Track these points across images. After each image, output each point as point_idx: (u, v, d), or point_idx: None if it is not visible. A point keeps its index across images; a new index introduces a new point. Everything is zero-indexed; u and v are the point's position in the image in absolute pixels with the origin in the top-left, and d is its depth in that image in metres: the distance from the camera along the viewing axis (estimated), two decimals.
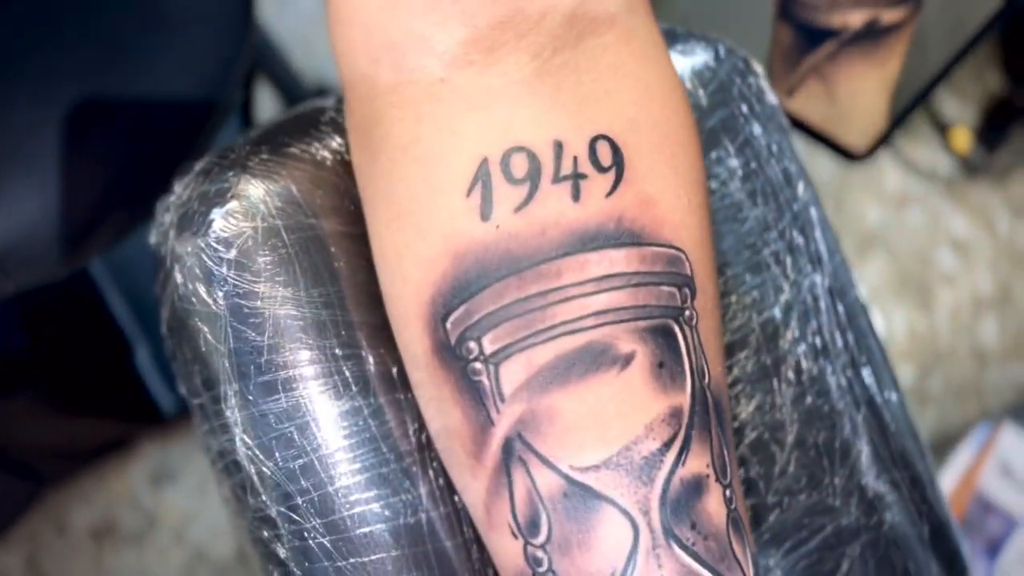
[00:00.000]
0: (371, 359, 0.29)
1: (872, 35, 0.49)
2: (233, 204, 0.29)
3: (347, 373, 0.29)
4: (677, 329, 0.27)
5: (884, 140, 0.54)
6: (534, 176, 0.26)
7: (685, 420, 0.27)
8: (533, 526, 0.27)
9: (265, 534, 0.29)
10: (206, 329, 0.29)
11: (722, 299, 0.35)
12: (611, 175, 0.27)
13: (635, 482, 0.26)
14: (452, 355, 0.27)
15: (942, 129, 1.25)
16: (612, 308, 0.26)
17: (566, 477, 0.26)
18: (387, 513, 0.29)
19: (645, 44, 0.29)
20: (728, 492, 0.28)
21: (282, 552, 0.29)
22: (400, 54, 0.27)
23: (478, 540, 0.30)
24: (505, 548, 0.28)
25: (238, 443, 0.29)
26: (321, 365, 0.29)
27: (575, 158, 0.27)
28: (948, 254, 1.31)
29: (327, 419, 0.29)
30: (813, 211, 0.37)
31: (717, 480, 0.28)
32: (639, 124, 0.28)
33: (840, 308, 0.36)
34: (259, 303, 0.28)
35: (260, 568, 0.31)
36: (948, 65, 0.50)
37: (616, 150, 0.27)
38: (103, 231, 0.53)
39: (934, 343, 1.29)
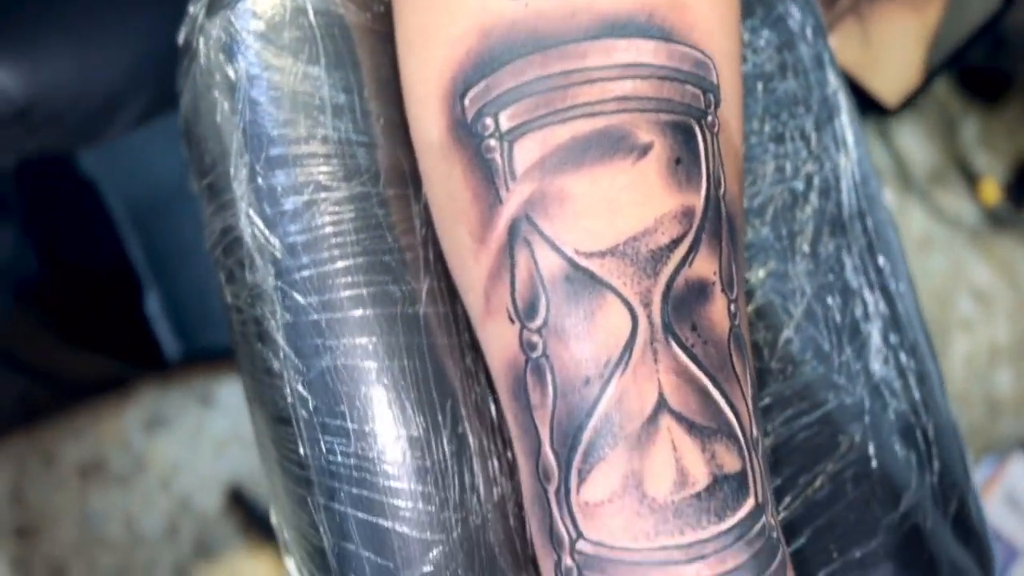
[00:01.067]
0: (384, 151, 0.29)
1: None
2: None
3: (359, 159, 0.29)
4: (698, 130, 0.27)
5: (915, 97, 0.54)
6: None
7: (696, 222, 0.26)
8: (531, 309, 0.26)
9: (259, 311, 0.29)
10: (224, 102, 0.29)
11: (744, 164, 0.35)
12: None
13: (639, 273, 0.26)
14: (468, 132, 0.27)
15: (971, 179, 1.26)
16: (635, 96, 0.26)
17: (570, 261, 0.26)
18: (385, 299, 0.28)
19: None
20: (733, 307, 0.27)
21: (274, 328, 0.28)
22: None
23: (473, 346, 0.29)
24: (500, 335, 0.27)
25: (242, 217, 0.29)
26: (334, 146, 0.29)
27: None
28: (968, 301, 1.30)
29: (334, 199, 0.28)
30: (842, 97, 0.37)
31: (723, 290, 0.27)
32: None
33: (861, 194, 0.36)
34: (279, 77, 0.28)
35: (247, 354, 0.30)
36: (987, 25, 0.50)
37: None
38: (131, 106, 0.53)
39: (947, 387, 1.27)
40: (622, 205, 0.26)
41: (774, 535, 0.27)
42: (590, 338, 0.26)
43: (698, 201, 0.27)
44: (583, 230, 0.26)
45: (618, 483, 0.25)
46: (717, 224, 0.27)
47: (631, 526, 0.25)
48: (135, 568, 0.99)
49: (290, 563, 0.32)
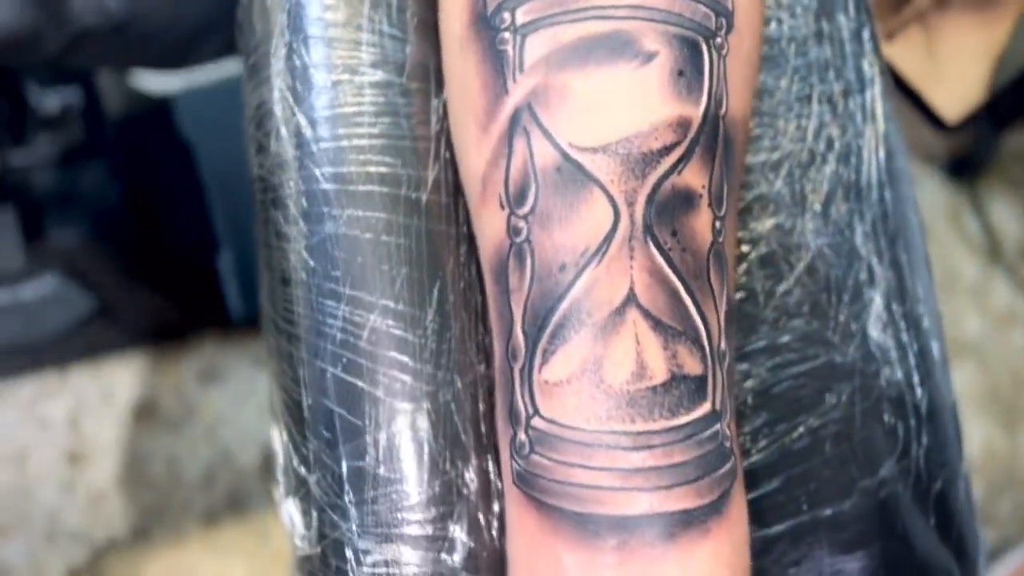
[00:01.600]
0: (414, 46, 0.31)
1: None
2: None
3: (388, 50, 0.31)
4: (705, 48, 0.28)
5: (977, 115, 0.54)
6: None
7: (691, 134, 0.27)
8: (521, 196, 0.28)
9: (277, 179, 0.31)
10: None
11: (765, 119, 0.36)
12: None
13: (628, 173, 0.27)
14: (486, 25, 0.28)
15: None
16: (646, 6, 0.27)
17: (563, 153, 0.27)
18: (391, 180, 0.30)
19: None
20: (718, 224, 0.28)
21: (288, 195, 0.30)
22: None
23: (469, 239, 0.31)
24: (491, 219, 0.28)
25: (275, 92, 0.31)
26: (367, 34, 0.31)
27: None
28: None
29: (359, 82, 0.31)
30: (877, 73, 0.37)
31: (710, 205, 0.28)
32: None
33: (884, 167, 0.36)
34: None
35: (263, 221, 0.32)
36: None
37: None
38: (214, 38, 0.57)
39: (1011, 465, 1.23)
40: (620, 106, 0.27)
41: (727, 444, 0.27)
42: (571, 227, 0.27)
43: (696, 114, 0.28)
44: (579, 125, 0.27)
45: (578, 366, 0.26)
46: (713, 141, 0.28)
47: (585, 407, 0.26)
48: (170, 508, 1.03)
49: (274, 433, 0.34)
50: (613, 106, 0.27)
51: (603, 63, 0.27)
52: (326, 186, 0.30)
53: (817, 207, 0.35)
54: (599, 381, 0.26)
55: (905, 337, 0.35)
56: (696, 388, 0.27)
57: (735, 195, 0.30)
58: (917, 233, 0.37)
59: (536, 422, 0.27)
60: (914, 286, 0.36)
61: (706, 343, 0.27)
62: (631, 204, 0.27)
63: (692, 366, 0.27)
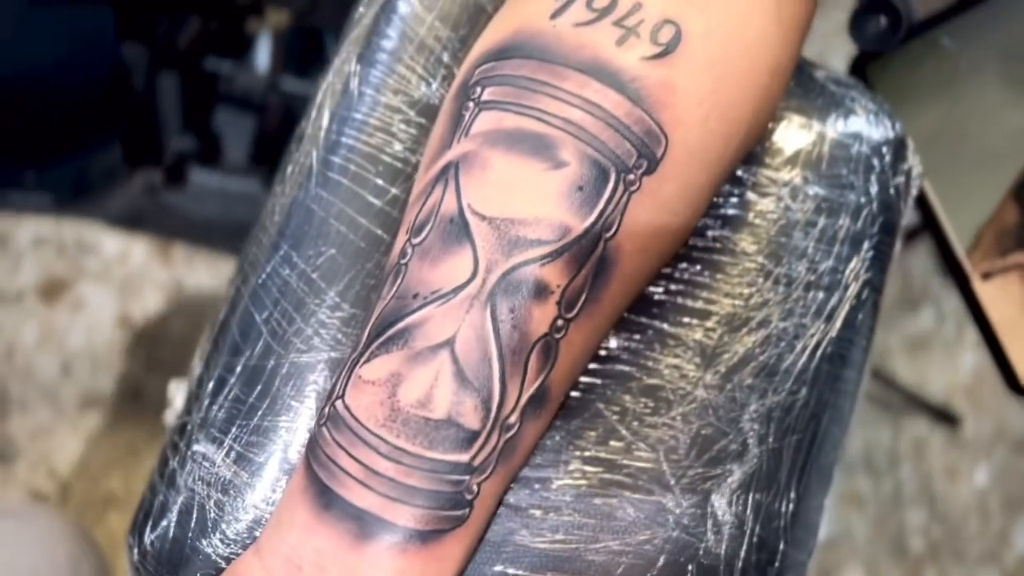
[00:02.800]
0: (433, 90, 0.38)
1: None
2: None
3: (412, 84, 0.38)
4: (613, 177, 0.32)
5: None
6: (605, 12, 0.33)
7: (566, 240, 0.31)
8: (420, 229, 0.33)
9: (304, 145, 0.39)
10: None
11: (718, 274, 0.38)
12: (657, 49, 0.32)
13: (499, 245, 0.31)
14: (463, 92, 0.34)
15: None
16: (578, 125, 0.32)
17: (461, 209, 0.32)
18: (361, 181, 0.37)
19: (771, 5, 0.34)
20: (560, 322, 0.32)
21: (297, 158, 0.38)
22: None
23: None
24: (399, 238, 0.34)
25: (327, 82, 0.39)
26: (402, 67, 0.38)
27: (642, 20, 0.33)
28: None
29: (377, 98, 0.38)
30: (858, 288, 0.38)
31: (558, 304, 0.32)
32: (713, 36, 0.33)
33: (816, 365, 0.37)
34: (413, 24, 0.38)
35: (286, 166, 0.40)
36: None
37: (676, 38, 0.32)
38: None
39: None
40: (518, 193, 0.32)
41: (467, 496, 0.31)
42: (437, 268, 0.32)
43: (578, 226, 0.31)
44: (483, 194, 0.32)
45: (384, 375, 0.31)
46: (586, 255, 0.32)
47: (371, 408, 0.31)
48: None
49: None
50: (513, 191, 0.32)
51: (523, 154, 0.32)
52: (314, 165, 0.37)
53: (722, 368, 0.37)
54: (391, 393, 0.31)
55: (749, 524, 0.36)
56: (463, 438, 0.31)
57: (603, 310, 0.33)
58: (828, 448, 0.37)
59: (338, 404, 0.32)
60: (788, 486, 0.36)
61: (493, 410, 0.31)
62: (488, 271, 0.31)
63: (470, 420, 0.31)
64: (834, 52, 1.20)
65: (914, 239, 1.13)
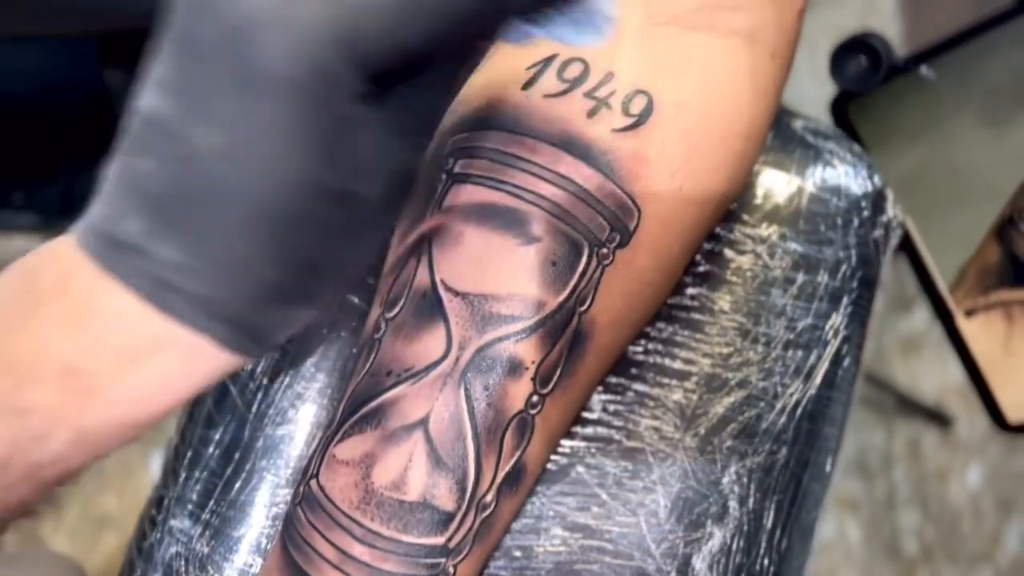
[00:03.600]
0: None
1: None
2: None
3: None
4: (586, 252, 0.31)
5: None
6: (576, 82, 0.32)
7: (540, 316, 0.31)
8: (393, 304, 0.33)
9: None
10: None
11: (697, 333, 0.38)
12: (629, 121, 0.32)
13: (471, 322, 0.31)
14: (437, 163, 0.34)
15: None
16: (551, 199, 0.31)
17: (434, 284, 0.32)
18: None
19: (744, 71, 0.34)
20: (536, 398, 0.32)
21: None
22: None
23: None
24: (372, 314, 0.34)
25: None
26: None
27: (614, 91, 0.32)
28: None
29: None
30: (838, 344, 0.38)
31: (533, 379, 0.31)
32: (685, 105, 0.32)
33: (796, 424, 0.37)
34: None
35: None
36: None
37: (648, 109, 0.32)
38: None
39: None
40: (491, 268, 0.31)
41: None
42: (410, 345, 0.32)
43: (552, 302, 0.31)
44: (455, 269, 0.32)
45: (358, 455, 0.31)
46: (561, 329, 0.31)
47: (346, 489, 0.31)
48: None
49: None
50: (486, 266, 0.31)
51: (495, 229, 0.32)
52: None
53: (702, 430, 0.36)
54: (365, 475, 0.31)
55: None
56: (438, 521, 0.31)
57: (579, 383, 0.33)
58: (809, 506, 0.37)
59: (312, 483, 0.32)
60: (769, 547, 0.36)
61: (469, 489, 0.31)
62: (462, 348, 0.31)
63: (445, 501, 0.31)
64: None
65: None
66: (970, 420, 1.35)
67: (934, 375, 1.36)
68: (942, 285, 0.51)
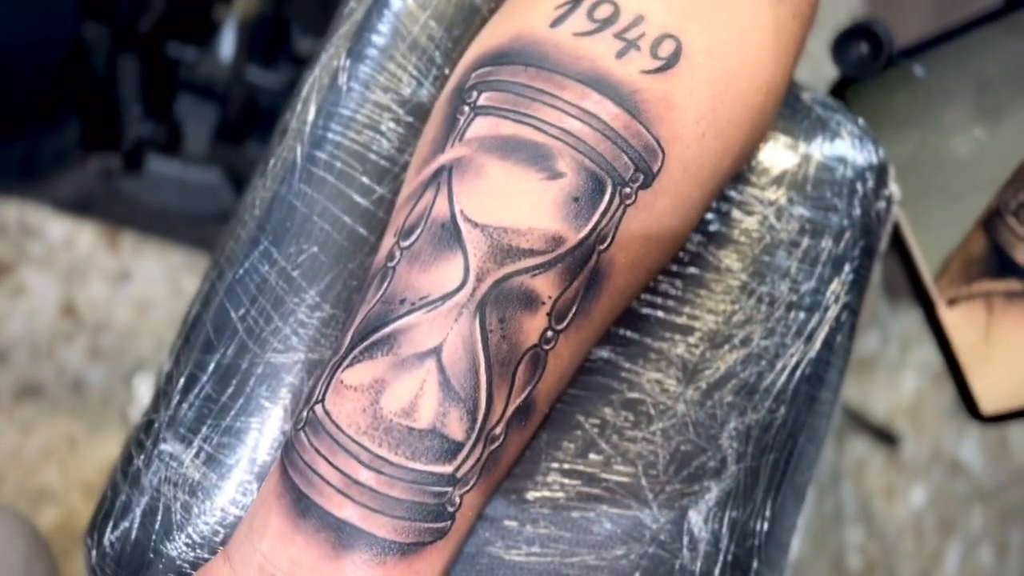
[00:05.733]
0: (425, 90, 0.37)
1: None
2: None
3: (403, 82, 0.37)
4: (609, 189, 0.31)
5: (1014, 418, 0.51)
6: (606, 23, 0.32)
7: (560, 251, 0.31)
8: (409, 233, 0.32)
9: (288, 139, 0.38)
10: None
11: (702, 290, 0.38)
12: (658, 64, 0.32)
13: (491, 254, 0.31)
14: (458, 95, 0.33)
15: None
16: (576, 135, 0.31)
17: (453, 215, 0.32)
18: (347, 179, 0.36)
19: (768, 27, 0.34)
20: (550, 334, 0.31)
21: (281, 153, 0.37)
22: None
23: None
24: (386, 240, 0.33)
25: (313, 78, 0.38)
26: (392, 64, 0.37)
27: (643, 33, 0.32)
28: None
29: (366, 95, 0.37)
30: (837, 309, 0.38)
31: (548, 315, 0.31)
32: (713, 53, 0.33)
33: (795, 385, 0.37)
34: (406, 21, 0.37)
35: (268, 158, 0.39)
36: None
37: (677, 54, 0.32)
38: None
39: None
40: (512, 202, 0.31)
41: (450, 509, 0.30)
42: (426, 274, 0.31)
43: (573, 238, 0.31)
44: (476, 201, 0.31)
45: (367, 381, 0.31)
46: (580, 266, 0.31)
47: (353, 415, 0.30)
48: None
49: None
50: (507, 199, 0.31)
51: (519, 163, 0.31)
52: (298, 160, 0.36)
53: (703, 384, 0.37)
54: (374, 401, 0.30)
55: (724, 541, 0.36)
56: (447, 449, 0.30)
57: (592, 322, 0.33)
58: (803, 467, 0.38)
59: (317, 408, 0.31)
60: (763, 504, 0.36)
61: (479, 420, 0.30)
62: (480, 280, 0.31)
63: (455, 431, 0.30)
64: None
65: None
66: (916, 442, 1.38)
67: (884, 396, 1.39)
68: (927, 273, 0.52)
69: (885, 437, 1.33)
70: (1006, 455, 1.42)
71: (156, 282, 1.15)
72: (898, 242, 0.52)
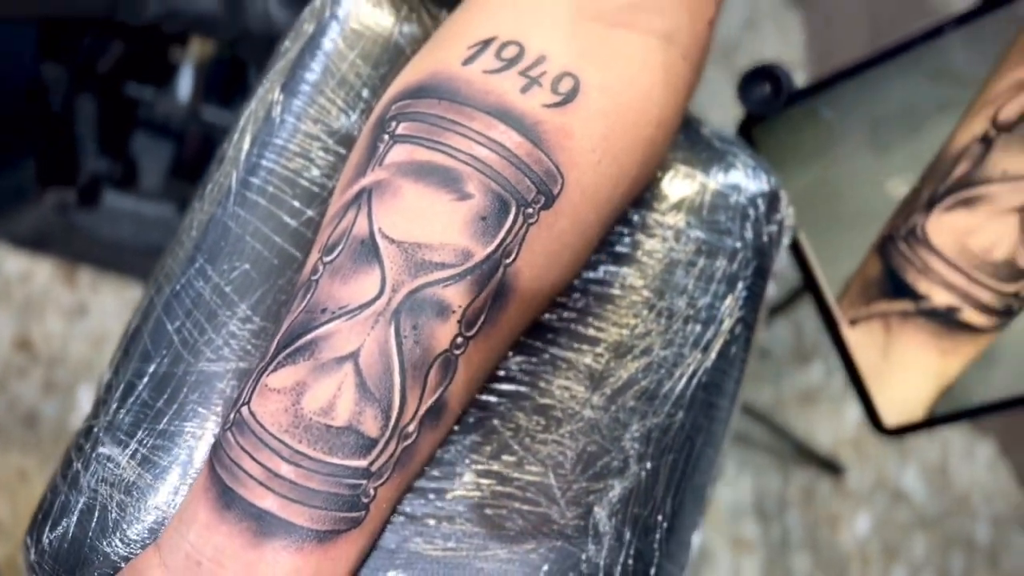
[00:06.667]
0: (351, 122, 0.40)
1: (947, 321, 0.52)
2: None
3: (332, 115, 0.40)
4: (513, 209, 0.35)
5: (913, 430, 0.55)
6: (512, 62, 0.36)
7: (469, 264, 0.34)
8: (331, 249, 0.35)
9: (225, 166, 0.41)
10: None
11: (608, 305, 0.41)
12: (557, 98, 0.36)
13: (406, 267, 0.34)
14: (380, 125, 0.37)
15: None
16: (484, 161, 0.35)
17: (371, 232, 0.35)
18: (277, 202, 0.39)
19: (659, 67, 0.38)
20: (460, 340, 0.34)
21: (218, 179, 0.40)
22: None
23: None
24: (311, 257, 0.36)
25: (251, 108, 0.41)
26: (323, 99, 0.40)
27: (545, 72, 0.36)
28: None
29: (298, 126, 0.40)
30: (730, 323, 0.42)
31: (459, 322, 0.34)
32: (607, 90, 0.36)
33: (692, 393, 0.41)
34: (336, 60, 0.41)
35: (205, 184, 0.42)
36: (999, 407, 0.51)
37: (575, 90, 0.36)
38: None
39: None
40: (425, 220, 0.34)
41: (364, 500, 0.33)
42: (346, 286, 0.34)
43: (480, 253, 0.34)
44: (392, 219, 0.35)
45: (290, 384, 0.33)
46: (487, 278, 0.34)
47: (275, 414, 0.33)
48: None
49: None
50: (422, 218, 0.34)
51: (432, 185, 0.35)
52: (233, 185, 0.39)
53: (608, 391, 0.40)
54: (295, 401, 0.33)
55: (627, 536, 0.39)
56: (362, 445, 0.33)
57: (501, 330, 0.36)
58: (702, 468, 0.41)
59: (243, 410, 0.34)
60: (663, 502, 0.39)
61: (392, 419, 0.33)
62: (395, 291, 0.34)
63: (370, 428, 0.33)
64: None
65: (805, 297, 1.19)
66: (860, 471, 1.42)
67: (829, 426, 1.43)
68: (830, 296, 0.56)
69: (830, 467, 1.36)
70: (946, 484, 1.46)
71: (112, 316, 1.16)
72: (804, 266, 0.56)
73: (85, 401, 1.08)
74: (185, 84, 0.96)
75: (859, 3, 1.77)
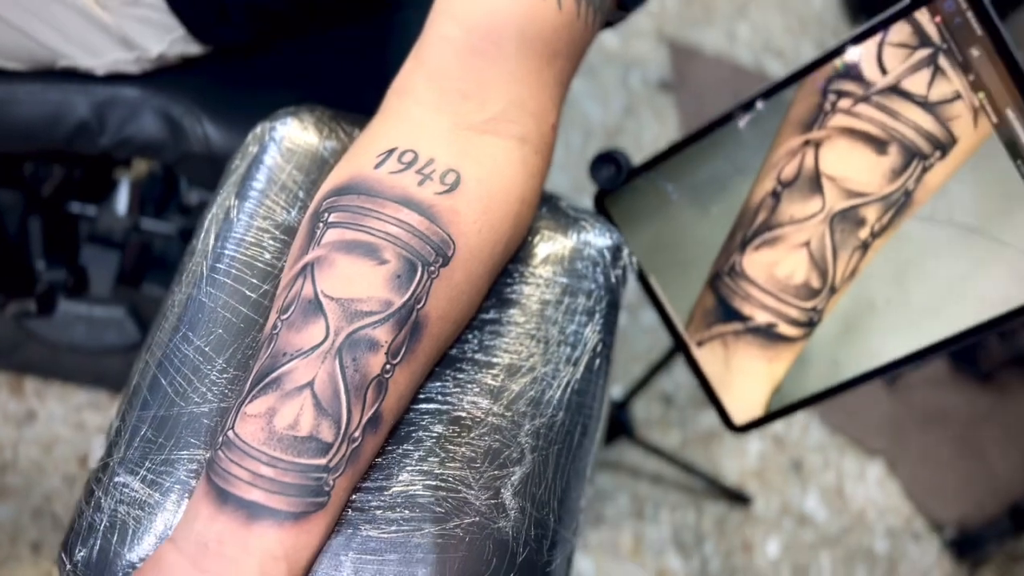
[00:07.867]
0: (292, 216, 0.53)
1: (769, 335, 0.66)
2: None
3: (276, 212, 0.53)
4: (420, 269, 0.48)
5: (757, 425, 0.69)
6: (410, 164, 0.50)
7: (390, 311, 0.47)
8: (286, 309, 0.48)
9: (194, 257, 0.53)
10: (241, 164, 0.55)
11: (503, 337, 0.54)
12: (445, 188, 0.49)
13: (344, 317, 0.47)
14: (315, 216, 0.50)
15: None
16: (395, 237, 0.48)
17: (315, 294, 0.47)
18: (240, 280, 0.51)
19: (518, 161, 0.52)
20: (389, 367, 0.47)
21: (190, 267, 0.52)
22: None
23: None
24: (270, 319, 0.48)
25: (215, 208, 0.54)
26: (269, 200, 0.53)
27: (435, 169, 0.50)
28: None
29: (251, 223, 0.53)
30: (594, 345, 0.55)
31: (387, 353, 0.47)
32: (481, 180, 0.50)
33: (568, 398, 0.54)
34: (278, 171, 0.54)
35: (181, 273, 0.54)
36: (817, 397, 0.66)
37: (457, 181, 0.50)
38: None
39: None
40: (356, 281, 0.47)
41: (326, 488, 0.45)
42: (300, 335, 0.47)
43: (398, 301, 0.47)
44: (330, 283, 0.47)
45: (263, 410, 0.45)
46: (405, 320, 0.47)
47: (254, 433, 0.45)
48: None
49: None
50: (352, 280, 0.47)
51: (358, 256, 0.48)
52: (204, 271, 0.51)
53: (504, 401, 0.53)
54: (269, 421, 0.45)
55: (528, 509, 0.51)
56: (321, 448, 0.45)
57: (418, 358, 0.48)
58: (582, 455, 0.54)
59: (229, 432, 0.45)
60: (554, 481, 0.52)
61: (343, 427, 0.45)
62: (337, 334, 0.46)
63: (326, 435, 0.45)
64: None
65: None
66: (766, 499, 1.55)
67: (734, 461, 1.57)
68: (679, 324, 0.70)
69: (738, 498, 1.49)
70: (844, 504, 1.60)
71: (59, 421, 1.24)
72: (656, 303, 0.70)
73: (38, 505, 1.14)
74: (123, 200, 1.07)
75: (723, 81, 1.99)
